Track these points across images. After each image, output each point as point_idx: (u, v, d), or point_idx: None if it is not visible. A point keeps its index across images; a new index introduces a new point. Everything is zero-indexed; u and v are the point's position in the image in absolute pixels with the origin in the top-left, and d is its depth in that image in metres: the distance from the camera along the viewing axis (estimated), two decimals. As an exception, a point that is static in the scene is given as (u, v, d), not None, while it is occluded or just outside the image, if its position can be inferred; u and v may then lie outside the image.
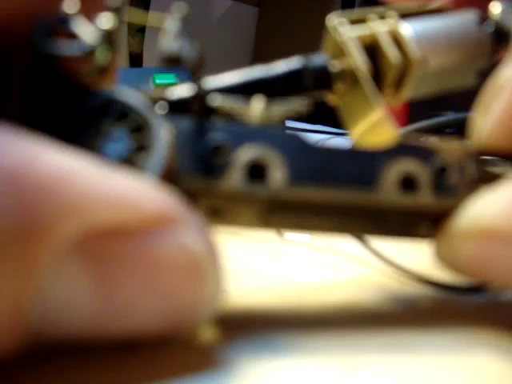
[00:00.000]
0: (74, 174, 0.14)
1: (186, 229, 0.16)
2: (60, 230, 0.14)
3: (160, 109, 0.20)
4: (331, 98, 0.27)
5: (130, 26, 1.38)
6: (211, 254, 0.16)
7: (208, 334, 0.20)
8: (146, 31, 1.40)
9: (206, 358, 0.18)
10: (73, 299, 0.14)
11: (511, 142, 0.21)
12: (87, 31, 0.18)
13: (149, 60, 1.38)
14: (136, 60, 1.43)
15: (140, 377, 0.16)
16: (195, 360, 0.18)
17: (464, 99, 0.25)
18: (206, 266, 0.16)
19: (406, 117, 0.79)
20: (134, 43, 1.42)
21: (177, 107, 0.22)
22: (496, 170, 0.21)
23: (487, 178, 0.21)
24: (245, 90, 0.24)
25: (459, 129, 0.24)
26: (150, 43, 1.38)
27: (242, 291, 0.26)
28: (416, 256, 0.30)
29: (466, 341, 0.20)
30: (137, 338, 0.16)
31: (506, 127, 0.20)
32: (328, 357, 0.18)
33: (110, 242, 0.15)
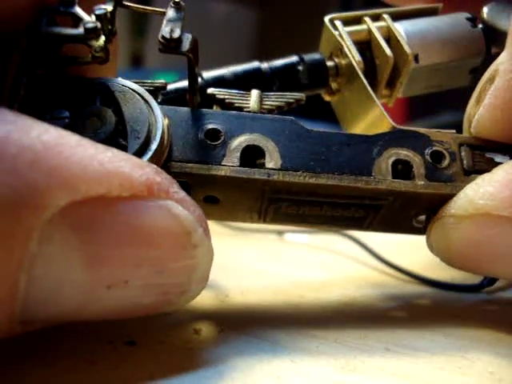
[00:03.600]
0: (63, 145, 0.14)
1: (176, 199, 0.16)
2: (51, 201, 0.13)
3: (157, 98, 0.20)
4: (327, 95, 0.27)
5: (132, 27, 1.38)
6: (202, 224, 0.16)
7: (208, 333, 0.20)
8: (148, 32, 1.40)
9: (205, 358, 0.18)
10: (64, 274, 0.14)
11: (503, 125, 0.21)
12: (87, 15, 0.19)
13: (150, 61, 1.38)
14: (138, 60, 1.43)
15: (140, 377, 0.16)
16: (195, 360, 0.18)
17: (462, 100, 0.25)
18: (198, 235, 0.16)
19: (405, 117, 0.79)
20: (135, 44, 1.42)
21: (173, 99, 0.22)
22: (489, 156, 0.22)
23: (480, 165, 0.21)
24: (241, 83, 0.24)
25: (458, 130, 0.24)
26: (151, 44, 1.38)
27: (242, 290, 0.26)
28: (413, 255, 0.30)
29: (465, 341, 0.20)
30: (132, 313, 0.16)
31: (498, 110, 0.20)
32: (327, 358, 0.18)
33: (97, 210, 0.14)
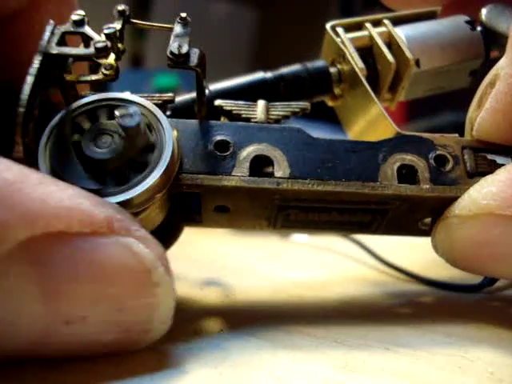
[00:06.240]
0: (24, 183, 0.14)
1: (137, 237, 0.16)
2: (10, 236, 0.14)
3: (166, 111, 0.21)
4: (330, 101, 0.27)
5: (133, 28, 1.38)
6: (163, 262, 0.16)
7: (208, 333, 0.20)
8: (149, 33, 1.40)
9: (205, 358, 0.18)
10: (21, 308, 0.14)
11: (504, 128, 0.21)
12: (96, 34, 0.19)
13: (151, 61, 1.38)
14: (138, 61, 1.44)
15: (140, 377, 0.16)
16: (195, 360, 0.18)
17: (462, 100, 0.25)
18: (158, 273, 0.16)
19: (405, 117, 0.79)
20: (136, 45, 1.42)
21: (182, 111, 0.23)
22: (491, 159, 0.22)
23: (483, 168, 0.21)
24: (247, 94, 0.24)
25: (458, 129, 0.24)
26: (152, 45, 1.38)
27: (243, 290, 0.26)
28: (413, 255, 0.30)
29: (465, 340, 0.20)
30: (92, 351, 0.16)
31: (499, 114, 0.21)
32: (327, 357, 0.18)
33: (55, 245, 0.14)
